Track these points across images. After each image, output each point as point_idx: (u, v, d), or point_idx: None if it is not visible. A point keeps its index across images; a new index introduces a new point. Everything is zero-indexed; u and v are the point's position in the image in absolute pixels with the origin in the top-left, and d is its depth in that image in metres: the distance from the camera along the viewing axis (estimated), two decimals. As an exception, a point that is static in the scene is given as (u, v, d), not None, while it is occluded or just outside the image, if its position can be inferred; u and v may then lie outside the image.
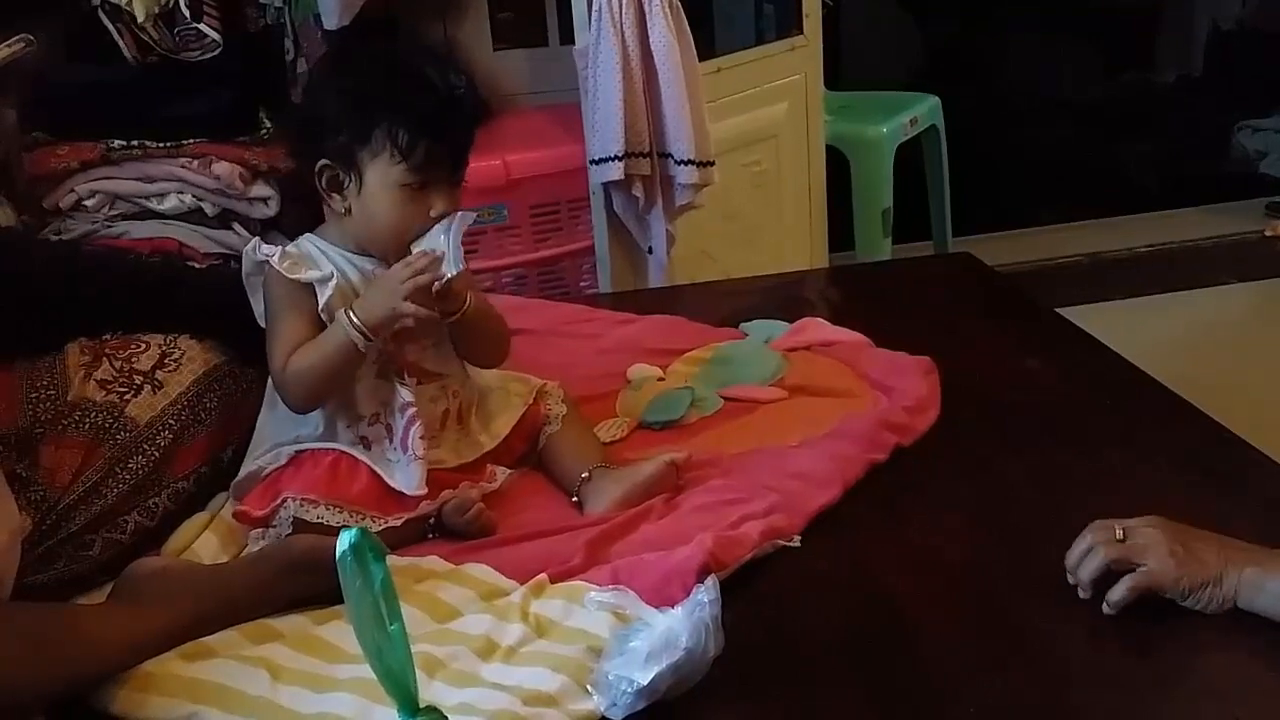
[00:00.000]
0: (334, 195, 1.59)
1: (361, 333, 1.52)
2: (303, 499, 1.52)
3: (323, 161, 1.57)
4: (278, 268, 1.57)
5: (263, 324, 1.62)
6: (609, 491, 1.58)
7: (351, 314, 1.52)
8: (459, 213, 1.57)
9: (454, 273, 1.53)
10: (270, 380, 1.61)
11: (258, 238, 1.68)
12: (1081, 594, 1.33)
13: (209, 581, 1.42)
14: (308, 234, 1.64)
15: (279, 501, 1.53)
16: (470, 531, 1.55)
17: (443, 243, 1.54)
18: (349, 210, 1.58)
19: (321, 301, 1.57)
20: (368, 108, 1.53)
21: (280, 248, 1.60)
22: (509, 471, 1.67)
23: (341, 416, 1.61)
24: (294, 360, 1.55)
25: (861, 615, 1.39)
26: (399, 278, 1.52)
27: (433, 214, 1.54)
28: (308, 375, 1.55)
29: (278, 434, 1.62)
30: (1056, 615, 1.34)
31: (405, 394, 1.58)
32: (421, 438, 1.57)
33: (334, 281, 1.57)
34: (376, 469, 1.56)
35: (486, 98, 1.65)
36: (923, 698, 1.25)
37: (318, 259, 1.60)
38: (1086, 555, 1.33)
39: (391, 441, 1.59)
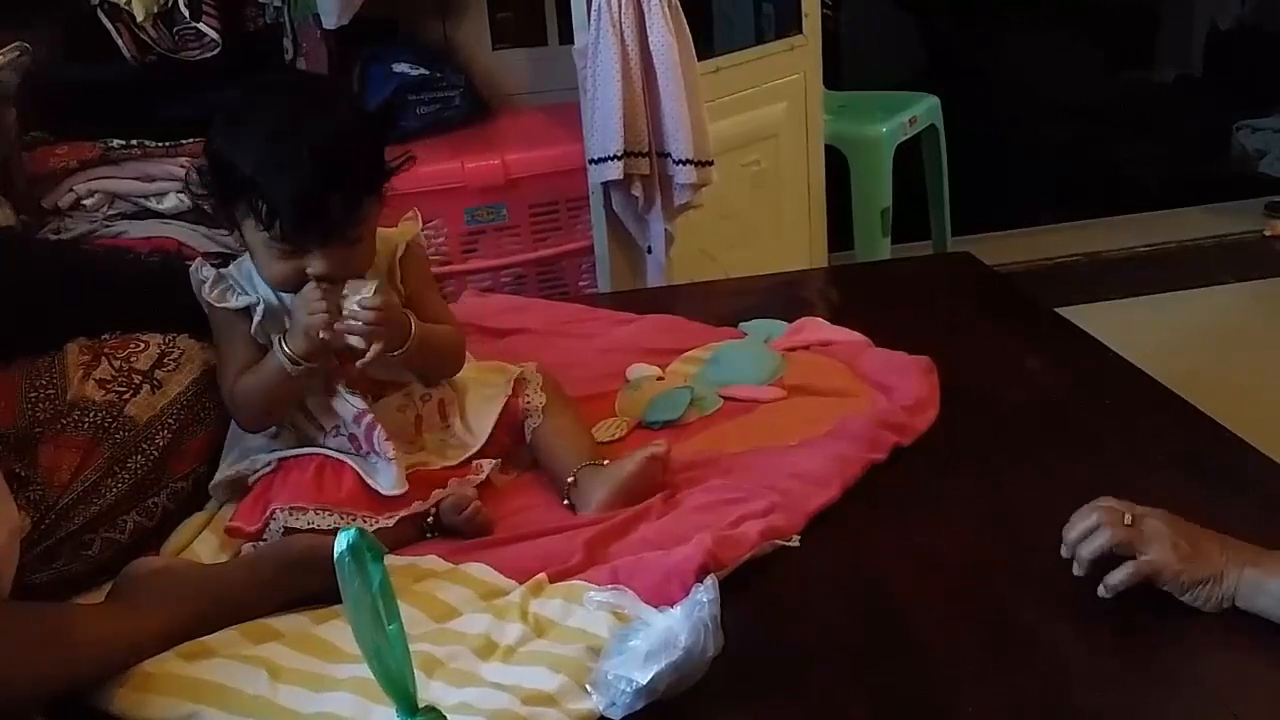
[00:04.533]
0: (228, 230, 1.61)
1: (291, 360, 1.53)
2: (291, 508, 1.52)
3: (212, 199, 1.58)
4: (206, 298, 1.59)
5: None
6: (595, 494, 1.58)
7: (283, 343, 1.54)
8: (363, 284, 1.54)
9: (357, 342, 1.52)
10: None
11: (200, 258, 1.68)
12: (1076, 570, 1.33)
13: (208, 581, 1.42)
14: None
15: (268, 514, 1.53)
16: (468, 529, 1.55)
17: (353, 305, 1.52)
18: (242, 246, 1.60)
19: (253, 325, 1.58)
20: (234, 177, 1.51)
21: (215, 271, 1.61)
22: (495, 462, 1.66)
23: (309, 430, 1.62)
24: (239, 385, 1.58)
25: (861, 615, 1.39)
26: (296, 315, 1.53)
27: (309, 272, 1.52)
28: (253, 399, 1.58)
29: (253, 437, 1.63)
30: (1057, 615, 1.34)
31: (356, 403, 1.58)
32: (387, 440, 1.57)
33: (261, 306, 1.58)
34: (359, 470, 1.57)
35: (381, 161, 1.57)
36: (922, 697, 1.25)
37: (255, 280, 1.60)
38: (1090, 534, 1.33)
39: (359, 450, 1.59)
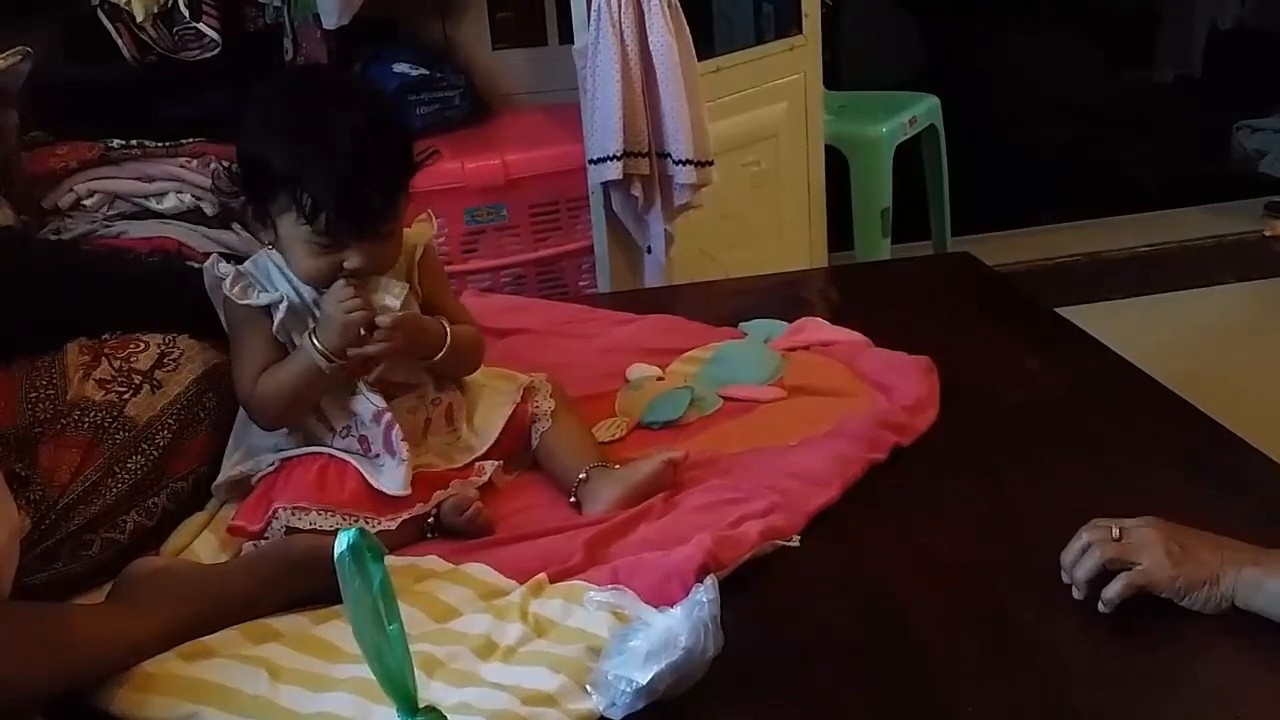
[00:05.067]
0: (260, 227, 1.60)
1: (325, 356, 1.53)
2: (294, 508, 1.52)
3: (243, 198, 1.59)
4: (227, 293, 1.58)
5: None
6: (607, 492, 1.58)
7: (315, 339, 1.54)
8: (394, 284, 1.56)
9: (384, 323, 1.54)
10: None
11: (215, 254, 1.68)
12: (1076, 594, 1.33)
13: (208, 581, 1.42)
14: (269, 249, 1.62)
15: (271, 513, 1.53)
16: (469, 531, 1.55)
17: (387, 301, 1.55)
18: (274, 243, 1.60)
19: (275, 323, 1.58)
20: (274, 171, 1.52)
21: (234, 268, 1.60)
22: (497, 464, 1.66)
23: (318, 430, 1.61)
24: (262, 383, 1.57)
25: (861, 615, 1.39)
26: (329, 312, 1.53)
27: (346, 266, 1.53)
28: (278, 398, 1.57)
29: (259, 437, 1.62)
30: (1057, 615, 1.34)
31: (377, 401, 1.58)
32: (403, 440, 1.57)
33: (284, 304, 1.58)
34: (363, 471, 1.57)
35: (410, 153, 1.59)
36: (922, 697, 1.25)
37: (274, 277, 1.60)
38: (1082, 555, 1.33)
39: (367, 452, 1.59)
